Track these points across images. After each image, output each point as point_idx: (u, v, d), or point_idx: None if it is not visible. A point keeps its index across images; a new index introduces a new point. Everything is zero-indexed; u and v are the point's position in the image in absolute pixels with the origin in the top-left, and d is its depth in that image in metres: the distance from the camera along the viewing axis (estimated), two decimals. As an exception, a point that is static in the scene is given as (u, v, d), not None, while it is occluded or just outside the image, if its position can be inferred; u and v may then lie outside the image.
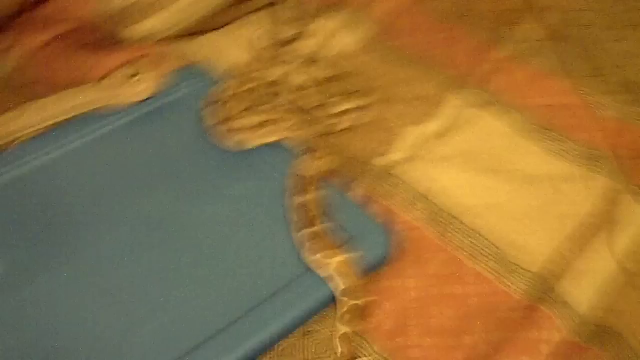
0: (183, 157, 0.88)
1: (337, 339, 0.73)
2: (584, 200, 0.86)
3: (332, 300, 0.76)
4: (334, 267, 0.75)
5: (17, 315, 0.73)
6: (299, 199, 0.80)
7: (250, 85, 0.91)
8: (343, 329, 0.74)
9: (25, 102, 0.90)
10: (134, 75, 0.91)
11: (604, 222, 0.84)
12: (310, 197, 0.80)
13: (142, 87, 0.91)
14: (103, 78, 0.93)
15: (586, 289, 0.79)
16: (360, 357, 0.73)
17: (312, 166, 0.83)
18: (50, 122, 0.88)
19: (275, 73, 0.95)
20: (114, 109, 0.90)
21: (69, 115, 0.89)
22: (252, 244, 0.81)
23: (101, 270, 0.77)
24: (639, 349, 0.74)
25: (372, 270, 0.78)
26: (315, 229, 0.77)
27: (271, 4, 1.05)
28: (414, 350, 0.75)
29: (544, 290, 0.78)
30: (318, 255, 0.75)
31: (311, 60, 0.97)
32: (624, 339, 0.75)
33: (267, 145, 0.87)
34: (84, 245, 0.79)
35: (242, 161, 0.87)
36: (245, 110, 0.88)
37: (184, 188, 0.85)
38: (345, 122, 0.90)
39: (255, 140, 0.86)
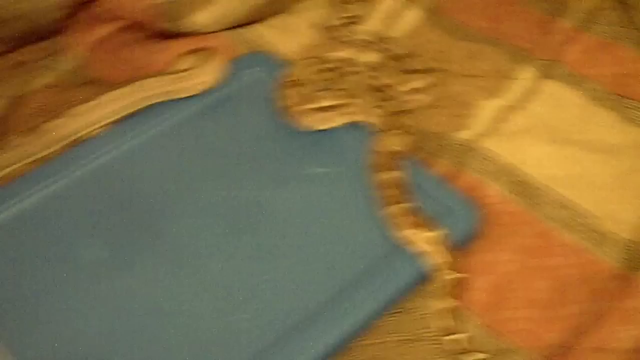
0: (258, 141, 0.87)
1: (433, 315, 0.72)
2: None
3: (423, 277, 0.75)
4: (425, 242, 0.74)
5: (120, 299, 0.74)
6: (383, 176, 0.79)
7: (321, 66, 0.90)
8: (438, 304, 0.73)
9: (91, 97, 0.88)
10: (196, 65, 0.89)
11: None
12: (394, 174, 0.79)
13: (207, 77, 0.90)
14: (165, 69, 0.91)
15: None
16: (456, 332, 0.72)
17: (392, 143, 0.82)
18: (124, 113, 0.87)
19: (343, 53, 0.94)
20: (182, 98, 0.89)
21: (141, 106, 0.88)
22: (337, 224, 0.80)
23: (193, 255, 0.77)
24: None
25: (461, 245, 0.78)
26: (403, 205, 0.76)
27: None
28: (511, 323, 0.74)
29: (635, 265, 0.77)
30: (408, 231, 0.74)
31: (378, 39, 0.95)
32: None
33: (343, 124, 0.85)
34: (177, 231, 0.79)
35: (318, 142, 0.87)
36: (319, 91, 0.86)
37: (263, 172, 0.84)
38: (419, 99, 0.89)
39: (331, 120, 0.85)
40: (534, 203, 0.82)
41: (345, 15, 0.99)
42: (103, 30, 0.98)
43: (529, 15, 1.02)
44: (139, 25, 0.97)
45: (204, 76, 0.90)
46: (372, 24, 1.00)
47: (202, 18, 0.95)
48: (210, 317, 0.73)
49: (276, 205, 0.81)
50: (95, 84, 0.94)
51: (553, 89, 0.93)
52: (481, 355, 0.71)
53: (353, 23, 0.98)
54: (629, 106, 0.91)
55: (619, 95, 0.92)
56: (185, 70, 0.90)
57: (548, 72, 0.95)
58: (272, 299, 0.74)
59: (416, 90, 0.90)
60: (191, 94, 0.89)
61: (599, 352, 0.72)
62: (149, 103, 0.89)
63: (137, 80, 0.90)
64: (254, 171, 0.84)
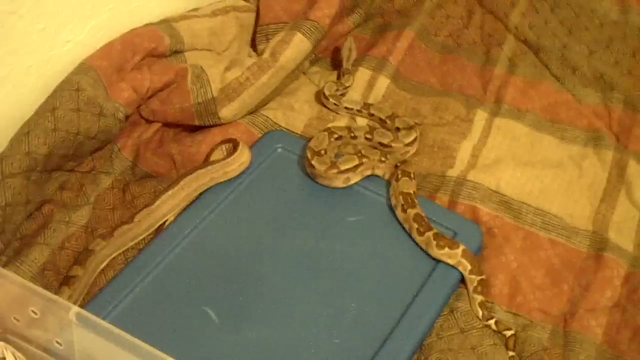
0: (299, 202, 1.12)
1: (477, 306, 1.00)
2: (602, 171, 1.16)
3: (460, 281, 1.02)
4: (460, 254, 1.02)
5: (234, 349, 0.95)
6: (412, 211, 1.06)
7: (331, 137, 1.16)
8: (479, 298, 1.00)
9: (148, 191, 1.11)
10: (229, 154, 1.12)
11: (620, 183, 1.14)
12: (415, 209, 1.06)
13: (243, 159, 1.12)
14: (200, 160, 1.14)
15: (627, 233, 1.09)
16: (494, 316, 1.00)
17: (404, 186, 1.09)
18: (189, 200, 1.09)
19: (340, 123, 1.21)
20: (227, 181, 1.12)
21: (199, 192, 1.10)
22: (384, 257, 1.06)
23: (282, 302, 1.00)
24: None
25: (476, 254, 1.05)
26: (434, 230, 1.04)
27: (314, 61, 1.30)
28: (524, 305, 1.03)
29: (601, 242, 1.07)
30: (446, 249, 1.02)
31: (363, 106, 1.22)
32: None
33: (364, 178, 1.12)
34: (266, 286, 1.01)
35: (347, 196, 1.12)
36: (335, 156, 1.13)
37: (313, 226, 1.08)
38: (414, 148, 1.17)
39: (357, 176, 1.11)
40: (516, 216, 1.11)
41: (339, 87, 1.24)
42: (146, 133, 1.18)
43: (468, 68, 1.32)
44: (174, 125, 1.19)
45: (239, 160, 1.13)
46: (354, 94, 1.26)
47: (225, 113, 1.18)
48: (311, 346, 0.96)
49: (333, 250, 1.06)
50: (148, 178, 1.14)
51: (502, 124, 1.23)
52: (511, 331, 0.99)
53: (342, 95, 1.24)
54: (561, 129, 1.22)
55: (553, 122, 1.22)
56: (223, 159, 1.12)
57: (495, 111, 1.25)
58: (355, 323, 0.98)
59: (406, 145, 1.17)
60: (233, 176, 1.12)
61: (592, 312, 1.01)
62: (203, 189, 1.11)
63: (180, 172, 1.13)
64: (307, 226, 1.08)
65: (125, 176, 1.15)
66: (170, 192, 1.08)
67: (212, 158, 1.14)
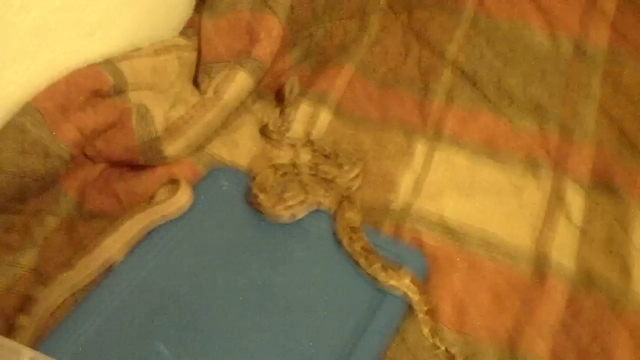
0: (246, 238, 1.13)
1: (428, 332, 1.02)
2: (542, 196, 1.20)
3: (407, 309, 1.04)
4: (407, 285, 1.04)
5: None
6: (359, 244, 1.07)
7: (275, 174, 1.17)
8: (430, 323, 1.02)
9: (95, 232, 1.11)
10: (171, 195, 1.13)
11: (559, 207, 1.18)
12: (365, 240, 1.08)
13: (182, 202, 1.14)
14: (147, 198, 1.15)
15: (569, 256, 1.12)
16: (446, 338, 1.02)
17: (350, 219, 1.11)
18: (135, 242, 1.10)
19: (285, 158, 1.23)
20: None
21: (143, 234, 1.11)
22: (331, 289, 1.07)
23: (233, 337, 1.01)
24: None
25: (423, 281, 1.07)
26: (381, 261, 1.06)
27: (257, 98, 1.32)
28: (478, 325, 1.05)
29: (545, 264, 1.11)
30: (394, 279, 1.04)
31: (306, 142, 1.24)
32: (601, 277, 1.10)
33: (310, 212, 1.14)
34: (213, 319, 1.03)
35: (293, 230, 1.14)
36: (279, 194, 1.14)
37: (259, 260, 1.09)
38: (358, 182, 1.19)
39: (303, 211, 1.13)
40: (461, 241, 1.14)
41: (280, 124, 1.26)
42: (92, 173, 1.19)
43: (406, 100, 1.35)
44: (120, 162, 1.19)
45: (178, 203, 1.14)
46: (296, 129, 1.28)
47: (170, 151, 1.19)
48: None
49: (282, 285, 1.07)
50: (94, 217, 1.14)
51: (443, 154, 1.26)
52: (456, 349, 1.01)
53: (285, 130, 1.26)
54: (500, 157, 1.26)
55: (492, 152, 1.26)
56: (163, 201, 1.13)
57: (435, 142, 1.28)
58: (307, 357, 1.00)
59: (351, 178, 1.19)
60: (176, 216, 1.13)
61: (538, 333, 1.04)
62: (148, 230, 1.12)
63: (126, 211, 1.13)
64: (255, 261, 1.09)
65: (72, 216, 1.15)
66: (110, 238, 1.09)
67: (157, 198, 1.15)
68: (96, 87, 1.14)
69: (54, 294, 1.04)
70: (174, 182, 1.16)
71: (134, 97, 1.18)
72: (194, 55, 1.31)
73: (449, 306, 1.06)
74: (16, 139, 1.05)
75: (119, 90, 1.17)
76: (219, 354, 0.99)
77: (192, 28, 1.34)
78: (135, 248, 1.10)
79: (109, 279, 1.06)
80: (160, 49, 1.25)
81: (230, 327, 1.02)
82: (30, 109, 1.08)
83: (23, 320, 0.98)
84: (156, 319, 1.02)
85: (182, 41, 1.30)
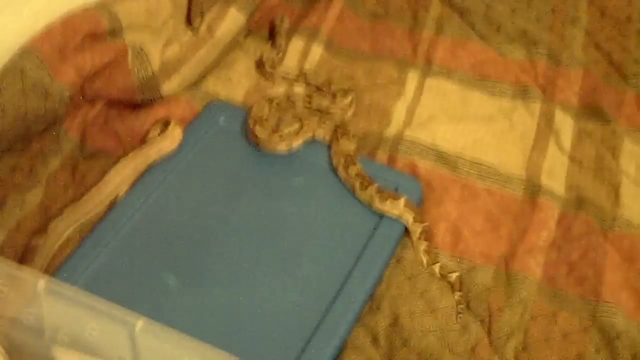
0: (246, 169, 1.17)
1: (422, 253, 1.06)
2: (531, 122, 1.23)
3: (404, 232, 1.08)
4: (402, 205, 1.07)
5: (197, 306, 1.01)
6: (353, 169, 1.11)
7: (271, 105, 1.20)
8: (423, 244, 1.06)
9: (97, 168, 1.14)
10: (167, 126, 1.17)
11: (548, 132, 1.21)
12: (357, 167, 1.12)
13: (174, 135, 1.17)
14: (144, 134, 1.18)
15: (558, 178, 1.16)
16: (439, 262, 1.06)
17: (345, 146, 1.14)
18: (134, 178, 1.14)
19: (279, 91, 1.25)
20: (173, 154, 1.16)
21: (142, 170, 1.14)
22: (330, 215, 1.11)
23: (237, 265, 1.05)
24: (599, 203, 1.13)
25: (418, 206, 1.11)
26: (376, 185, 1.09)
27: (249, 34, 1.34)
28: (472, 248, 1.08)
29: (534, 187, 1.14)
30: (389, 201, 1.07)
31: (299, 74, 1.27)
32: (590, 199, 1.13)
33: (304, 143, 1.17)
34: (222, 248, 1.07)
35: (290, 160, 1.17)
36: (275, 124, 1.17)
37: (260, 191, 1.14)
38: (351, 110, 1.22)
39: (298, 140, 1.16)
40: (454, 167, 1.17)
41: (273, 57, 1.29)
42: (91, 112, 1.22)
43: (396, 31, 1.37)
44: (118, 101, 1.22)
45: (172, 135, 1.17)
46: (289, 63, 1.31)
47: (166, 88, 1.22)
48: (264, 303, 1.01)
49: (282, 213, 1.11)
50: (96, 156, 1.18)
51: (433, 83, 1.29)
52: (456, 274, 1.05)
53: (278, 63, 1.29)
54: (489, 84, 1.29)
55: (481, 79, 1.29)
56: (156, 136, 1.17)
57: (426, 72, 1.30)
58: (308, 280, 1.04)
59: (344, 107, 1.22)
60: (170, 151, 1.16)
61: (530, 252, 1.08)
62: (146, 166, 1.15)
63: (124, 149, 1.17)
64: (254, 192, 1.13)
65: (74, 155, 1.18)
66: (111, 173, 1.14)
67: (150, 135, 1.19)
68: (92, 29, 1.15)
69: (61, 227, 1.08)
70: (164, 122, 1.19)
71: (129, 37, 1.20)
72: (186, -5, 1.32)
73: (443, 230, 1.10)
74: (16, 81, 1.08)
75: (114, 32, 1.19)
76: (223, 281, 1.03)
77: (182, -33, 1.34)
78: (136, 183, 1.13)
79: (113, 211, 1.10)
80: (152, -10, 1.27)
81: (233, 255, 1.05)
82: (28, 51, 1.10)
83: (38, 239, 1.03)
84: (161, 249, 1.06)
85: (174, -19, 1.31)
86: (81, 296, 0.79)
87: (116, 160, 1.14)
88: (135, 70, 1.18)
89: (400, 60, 1.31)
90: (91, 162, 1.17)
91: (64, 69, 1.13)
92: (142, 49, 1.19)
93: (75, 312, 0.80)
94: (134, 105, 1.23)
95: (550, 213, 1.11)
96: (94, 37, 1.16)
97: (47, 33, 1.12)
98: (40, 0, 1.13)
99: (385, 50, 1.33)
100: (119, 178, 1.12)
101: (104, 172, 1.13)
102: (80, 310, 0.79)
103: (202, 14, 1.29)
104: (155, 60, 1.20)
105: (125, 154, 1.15)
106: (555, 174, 1.16)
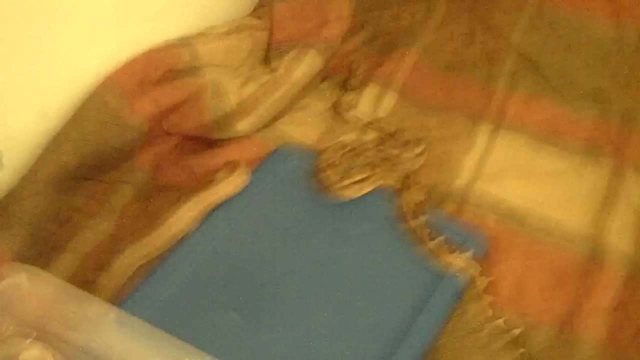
0: (311, 214, 1.17)
1: (487, 306, 1.06)
2: (600, 178, 1.22)
3: (465, 287, 1.08)
4: (469, 259, 1.07)
5: (255, 352, 1.01)
6: (415, 222, 1.11)
7: (342, 150, 1.21)
8: (488, 298, 1.06)
9: (170, 202, 1.16)
10: (234, 169, 1.18)
11: (619, 191, 1.21)
12: (423, 218, 1.12)
13: (240, 180, 1.18)
14: (214, 173, 1.20)
15: (627, 238, 1.15)
16: (503, 316, 1.05)
17: (413, 196, 1.15)
18: (201, 218, 1.15)
19: (351, 136, 1.27)
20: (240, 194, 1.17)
21: (207, 211, 1.15)
22: (393, 265, 1.11)
23: (297, 307, 1.06)
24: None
25: (482, 260, 1.11)
26: (439, 239, 1.09)
27: (325, 78, 1.36)
28: (536, 305, 1.08)
29: (603, 247, 1.13)
30: (456, 252, 1.08)
31: (372, 120, 1.28)
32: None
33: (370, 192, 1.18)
34: (282, 290, 1.07)
35: (356, 208, 1.17)
36: (347, 169, 1.19)
37: (324, 236, 1.13)
38: (420, 162, 1.23)
39: (369, 186, 1.17)
40: (521, 222, 1.17)
41: (344, 105, 1.31)
42: (166, 146, 1.24)
43: (471, 84, 1.38)
44: (193, 137, 1.25)
45: (237, 180, 1.18)
46: (363, 109, 1.32)
47: (241, 126, 1.24)
48: (322, 348, 1.02)
49: (338, 260, 1.11)
50: (167, 189, 1.19)
51: (505, 137, 1.29)
52: (520, 329, 1.04)
53: (351, 108, 1.30)
54: (561, 140, 1.28)
55: (551, 135, 1.29)
56: (222, 179, 1.18)
57: (498, 125, 1.31)
58: (367, 328, 1.04)
59: (415, 156, 1.23)
60: (229, 195, 1.17)
61: (595, 312, 1.07)
62: (212, 207, 1.16)
63: (195, 185, 1.18)
64: (315, 236, 1.14)
65: (147, 188, 1.20)
66: (180, 211, 1.14)
67: (217, 176, 1.20)
68: (172, 63, 1.19)
69: (128, 261, 1.10)
70: (234, 164, 1.20)
71: (208, 74, 1.23)
72: (265, 34, 1.35)
73: (507, 285, 1.10)
74: (98, 111, 1.11)
75: (194, 67, 1.22)
76: (284, 323, 1.04)
77: (263, 8, 1.38)
78: (203, 222, 1.15)
79: (181, 248, 1.11)
80: (233, 28, 1.30)
81: (294, 298, 1.06)
82: (111, 83, 1.14)
83: (104, 278, 1.05)
84: (225, 288, 1.07)
85: (254, 21, 1.34)
86: (149, 331, 0.80)
87: (186, 196, 1.15)
88: (213, 107, 1.21)
89: (473, 113, 1.32)
90: (162, 196, 1.18)
91: (143, 102, 1.16)
92: (220, 86, 1.22)
93: (141, 345, 0.82)
94: (208, 142, 1.25)
95: (618, 273, 1.10)
96: (173, 71, 1.19)
97: (129, 66, 1.15)
98: (126, 34, 1.16)
99: (459, 101, 1.34)
100: (189, 217, 1.13)
101: (173, 206, 1.14)
102: (146, 344, 0.80)
103: (280, 55, 1.31)
104: (233, 99, 1.23)
105: (195, 190, 1.16)
106: (624, 234, 1.15)
